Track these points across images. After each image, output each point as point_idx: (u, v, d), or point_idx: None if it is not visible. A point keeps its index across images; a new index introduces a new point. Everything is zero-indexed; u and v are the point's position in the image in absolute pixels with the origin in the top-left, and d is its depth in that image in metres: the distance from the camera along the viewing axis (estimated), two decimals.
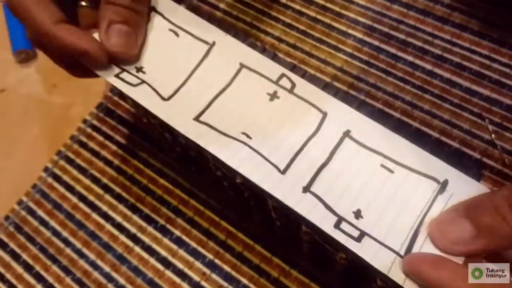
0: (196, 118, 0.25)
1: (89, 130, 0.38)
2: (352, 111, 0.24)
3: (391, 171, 0.23)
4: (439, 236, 0.21)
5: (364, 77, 0.37)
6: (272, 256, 0.32)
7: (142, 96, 0.25)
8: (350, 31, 0.38)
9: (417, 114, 0.35)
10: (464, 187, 0.22)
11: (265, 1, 0.41)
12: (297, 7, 0.40)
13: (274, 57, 0.26)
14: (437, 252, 0.21)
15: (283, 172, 0.23)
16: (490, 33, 0.36)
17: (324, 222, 0.21)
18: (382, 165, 0.23)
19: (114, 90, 0.39)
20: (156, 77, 0.26)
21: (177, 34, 0.27)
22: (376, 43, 0.38)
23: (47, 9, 0.25)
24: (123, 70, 0.26)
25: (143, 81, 0.26)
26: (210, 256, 0.33)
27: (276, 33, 0.39)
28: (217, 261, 0.33)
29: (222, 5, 0.41)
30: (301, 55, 0.38)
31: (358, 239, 0.21)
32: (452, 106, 0.35)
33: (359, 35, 0.38)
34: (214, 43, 0.27)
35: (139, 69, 0.26)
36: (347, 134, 0.24)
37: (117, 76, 0.26)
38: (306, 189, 0.22)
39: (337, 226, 0.21)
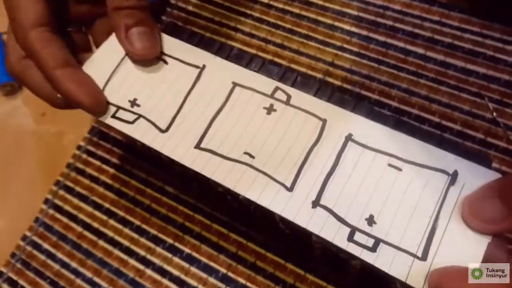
0: (197, 146, 0.24)
1: (84, 156, 0.38)
2: (352, 114, 0.24)
3: (399, 169, 0.22)
4: (470, 215, 0.20)
5: (356, 69, 0.36)
6: (286, 263, 0.32)
7: (141, 132, 0.25)
8: (336, 23, 0.38)
9: (415, 101, 0.34)
10: (475, 176, 0.21)
11: (247, 3, 0.40)
12: (280, 5, 0.39)
13: (263, 65, 0.26)
14: (463, 232, 0.20)
15: (290, 189, 0.22)
16: (478, 10, 0.35)
17: (337, 236, 0.21)
18: (390, 164, 0.22)
19: None
20: (151, 108, 0.26)
21: (166, 62, 0.27)
22: (364, 32, 0.37)
23: (53, 53, 0.25)
24: (118, 107, 0.26)
25: (139, 116, 0.26)
26: (223, 270, 0.32)
27: (262, 34, 0.39)
28: (230, 274, 0.32)
29: (204, 13, 0.40)
30: (290, 54, 0.37)
31: (373, 249, 0.20)
32: (449, 88, 0.34)
33: (346, 27, 0.37)
34: (204, 66, 0.26)
35: (133, 102, 0.26)
36: (349, 138, 0.23)
37: (113, 116, 0.26)
38: (316, 203, 0.22)
39: (350, 238, 0.21)
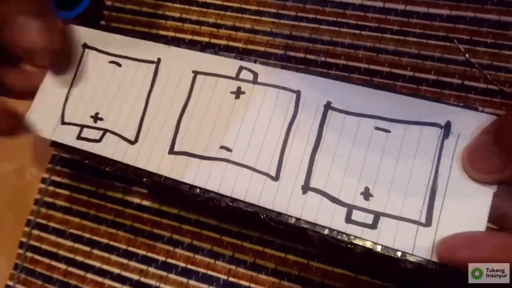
0: (171, 151, 0.22)
1: (51, 188, 0.35)
2: (326, 80, 0.22)
3: (388, 131, 0.20)
4: (470, 166, 0.19)
5: (317, 37, 0.34)
6: (286, 255, 0.30)
7: (111, 149, 0.23)
8: None
9: (383, 58, 0.32)
10: (469, 122, 0.20)
11: None
12: None
13: (218, 52, 0.23)
14: (466, 186, 0.19)
15: (276, 177, 0.21)
16: None
17: (334, 220, 0.19)
18: (377, 127, 0.21)
19: None
20: (115, 119, 0.24)
21: (119, 64, 0.24)
22: None
23: None
24: (82, 126, 0.24)
25: (105, 131, 0.23)
26: (223, 276, 0.31)
27: (211, 19, 0.36)
28: (231, 279, 0.30)
29: (145, 9, 0.37)
30: (244, 35, 0.35)
31: (374, 225, 0.19)
32: (416, 37, 0.32)
33: None
34: (159, 60, 0.24)
35: (96, 117, 0.24)
36: (328, 106, 0.21)
37: (79, 137, 0.24)
38: (306, 187, 0.20)
39: (348, 219, 0.19)
